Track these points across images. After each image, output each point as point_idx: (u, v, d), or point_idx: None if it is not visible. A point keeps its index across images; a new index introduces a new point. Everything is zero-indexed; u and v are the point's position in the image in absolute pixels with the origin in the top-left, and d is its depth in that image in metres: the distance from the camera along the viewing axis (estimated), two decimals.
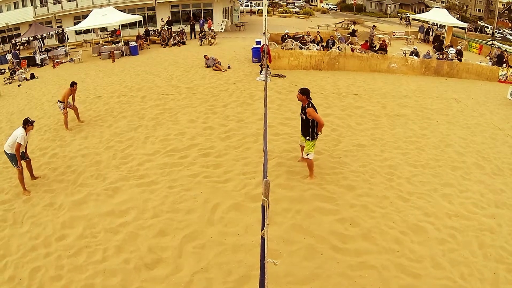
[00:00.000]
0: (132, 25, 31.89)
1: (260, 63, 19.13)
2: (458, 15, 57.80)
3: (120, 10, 28.63)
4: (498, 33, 48.32)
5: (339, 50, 22.09)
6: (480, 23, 58.44)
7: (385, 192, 8.26)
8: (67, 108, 12.30)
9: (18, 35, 29.68)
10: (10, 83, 20.89)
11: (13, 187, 9.02)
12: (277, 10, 57.14)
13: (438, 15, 32.03)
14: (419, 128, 12.09)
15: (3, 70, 24.07)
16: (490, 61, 24.35)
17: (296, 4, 69.88)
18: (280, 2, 70.20)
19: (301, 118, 8.36)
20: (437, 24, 33.37)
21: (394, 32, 35.32)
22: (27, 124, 8.90)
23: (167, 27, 31.18)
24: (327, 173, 8.86)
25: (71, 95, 12.44)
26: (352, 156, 9.87)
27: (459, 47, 25.89)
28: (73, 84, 12.31)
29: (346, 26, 39.86)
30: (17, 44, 26.15)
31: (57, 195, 8.42)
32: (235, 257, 6.28)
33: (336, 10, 72.93)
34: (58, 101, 12.35)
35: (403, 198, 8.06)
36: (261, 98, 13.81)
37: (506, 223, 7.59)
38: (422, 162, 9.82)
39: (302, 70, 19.44)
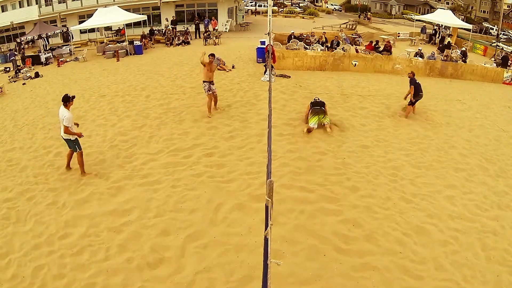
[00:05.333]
0: (137, 24, 31.94)
1: (264, 63, 19.13)
2: (463, 16, 57.66)
3: (124, 10, 28.68)
4: (503, 34, 48.19)
5: (344, 51, 22.06)
6: (485, 24, 58.30)
7: (389, 193, 8.25)
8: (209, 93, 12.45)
9: (23, 34, 29.76)
10: (14, 81, 20.96)
11: (16, 185, 9.04)
12: (282, 11, 57.12)
13: (443, 16, 31.93)
14: (423, 130, 12.05)
15: (7, 69, 24.14)
16: (494, 62, 24.26)
17: (300, 5, 69.77)
18: (285, 2, 70.10)
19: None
20: (442, 25, 33.29)
21: (399, 33, 35.25)
22: (68, 100, 8.73)
23: (171, 27, 31.20)
24: (330, 174, 8.86)
25: (210, 68, 12.30)
26: (356, 157, 9.86)
27: (463, 49, 25.79)
28: (210, 55, 12.39)
29: (350, 26, 39.83)
30: (22, 42, 26.23)
31: (60, 194, 8.44)
32: (238, 257, 6.29)
33: (340, 11, 72.83)
34: (204, 81, 12.39)
35: (406, 200, 8.05)
36: (265, 98, 13.80)
37: (509, 225, 7.56)
38: (425, 164, 9.80)
39: (307, 70, 19.42)
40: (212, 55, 12.44)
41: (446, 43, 27.85)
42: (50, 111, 14.26)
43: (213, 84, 12.46)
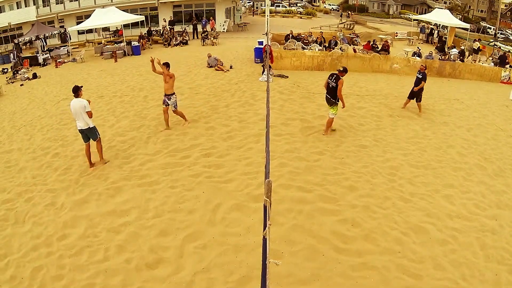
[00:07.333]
0: (135, 25, 31.94)
1: (262, 64, 19.14)
2: (461, 16, 57.81)
3: (122, 10, 28.68)
4: (501, 33, 48.29)
5: (342, 51, 22.08)
6: (483, 23, 58.44)
7: (387, 192, 8.25)
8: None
9: (21, 35, 29.74)
10: (12, 82, 20.96)
11: (15, 186, 9.04)
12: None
13: (441, 16, 32.00)
14: (421, 129, 12.07)
15: (5, 70, 24.12)
16: (492, 61, 24.32)
17: (298, 4, 69.92)
18: (283, 3, 70.21)
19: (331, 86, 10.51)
20: (439, 24, 33.39)
21: (397, 33, 35.31)
22: (79, 90, 9.13)
23: (169, 27, 31.21)
24: (328, 174, 8.86)
25: (165, 79, 11.21)
26: (354, 156, 9.86)
27: (462, 48, 25.85)
28: (163, 64, 11.08)
29: (348, 26, 39.92)
30: (20, 43, 26.21)
31: (59, 195, 8.43)
32: (237, 257, 6.28)
33: (338, 11, 72.94)
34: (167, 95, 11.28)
35: (404, 199, 8.05)
36: (263, 99, 13.81)
37: (508, 224, 7.57)
38: (424, 163, 9.81)
39: (305, 70, 19.42)
40: (166, 64, 11.08)
41: (476, 48, 27.47)
42: (48, 112, 14.25)
43: (169, 99, 11.28)
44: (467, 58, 25.17)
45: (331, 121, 11.01)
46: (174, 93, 11.34)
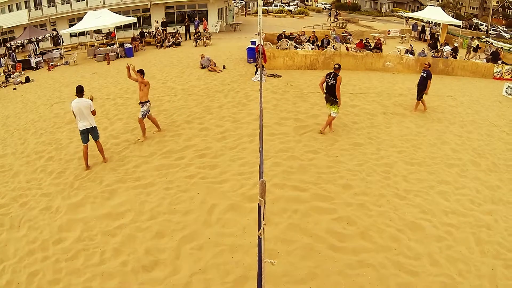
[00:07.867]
0: (127, 27, 31.89)
1: (255, 63, 19.14)
2: (453, 13, 58.07)
3: (114, 12, 28.58)
4: (493, 30, 48.55)
5: (334, 49, 22.11)
6: (475, 20, 58.74)
7: (382, 190, 8.27)
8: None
9: (13, 38, 29.58)
10: (5, 86, 20.82)
11: (9, 191, 8.98)
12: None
13: (433, 13, 32.13)
14: (415, 126, 12.11)
15: None
16: (484, 58, 24.46)
17: (291, 4, 69.93)
18: (275, 2, 70.19)
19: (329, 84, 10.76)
20: (432, 22, 33.51)
21: (389, 31, 35.41)
22: (83, 90, 9.48)
23: (162, 29, 31.15)
24: (323, 172, 8.87)
25: (140, 86, 10.88)
26: (349, 155, 9.88)
27: (456, 45, 25.97)
28: (138, 71, 10.89)
29: (341, 25, 40.01)
30: (12, 47, 26.08)
31: (54, 199, 8.39)
32: (233, 257, 6.28)
33: (330, 9, 72.98)
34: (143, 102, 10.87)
35: (399, 196, 8.08)
36: (257, 98, 13.81)
37: (503, 219, 7.62)
38: (418, 160, 9.85)
39: (298, 69, 19.44)
40: (140, 71, 10.86)
41: (475, 46, 27.58)
42: (41, 115, 14.18)
43: (142, 106, 10.84)
44: (466, 56, 25.40)
45: (332, 119, 11.12)
46: (148, 101, 10.90)
